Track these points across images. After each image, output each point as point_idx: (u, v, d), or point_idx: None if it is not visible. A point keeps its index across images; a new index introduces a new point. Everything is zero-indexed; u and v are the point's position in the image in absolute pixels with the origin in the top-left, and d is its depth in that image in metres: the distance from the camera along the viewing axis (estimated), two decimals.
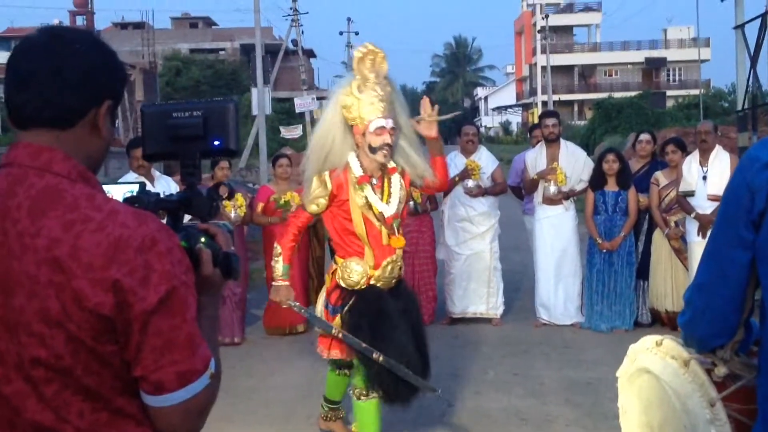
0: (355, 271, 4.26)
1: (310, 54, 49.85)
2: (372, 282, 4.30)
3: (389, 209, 4.25)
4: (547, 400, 5.63)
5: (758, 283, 1.61)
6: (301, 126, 31.14)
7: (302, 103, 30.06)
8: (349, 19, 50.04)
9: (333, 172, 4.21)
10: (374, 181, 4.25)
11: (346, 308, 4.32)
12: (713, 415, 1.72)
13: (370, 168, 4.22)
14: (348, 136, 4.21)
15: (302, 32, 36.80)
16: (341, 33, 49.66)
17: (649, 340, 1.95)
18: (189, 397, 1.36)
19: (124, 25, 50.88)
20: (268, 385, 6.21)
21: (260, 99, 23.89)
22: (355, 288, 4.29)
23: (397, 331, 4.22)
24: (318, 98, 36.56)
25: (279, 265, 4.46)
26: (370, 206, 4.22)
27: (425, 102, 4.46)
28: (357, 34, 50.66)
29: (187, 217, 1.56)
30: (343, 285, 4.34)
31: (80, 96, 1.42)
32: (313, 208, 4.30)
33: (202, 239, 1.50)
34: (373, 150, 4.13)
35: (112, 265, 1.30)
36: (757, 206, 1.57)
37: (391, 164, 4.27)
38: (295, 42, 36.88)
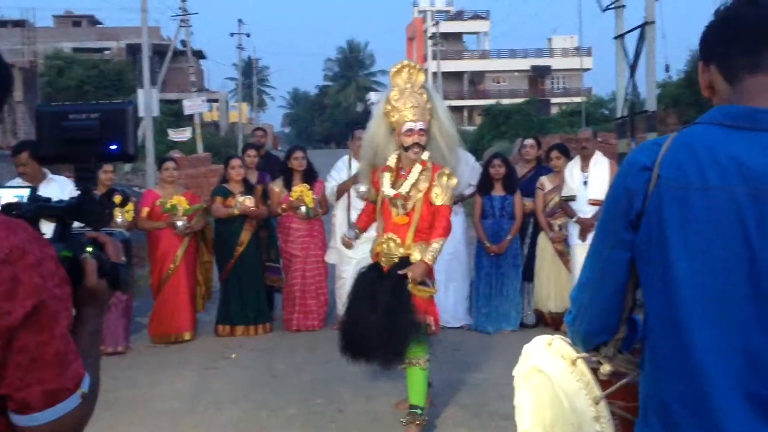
0: (372, 245, 5.26)
1: (199, 55, 48.96)
2: (378, 258, 5.09)
3: (392, 190, 4.97)
4: (435, 402, 5.67)
5: (639, 282, 1.67)
6: (190, 128, 30.49)
7: (192, 105, 29.43)
8: (240, 21, 49.56)
9: (376, 171, 5.17)
10: (404, 171, 5.02)
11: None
12: (598, 413, 1.77)
13: (406, 162, 5.02)
14: (391, 138, 5.05)
15: (191, 33, 36.16)
16: (232, 35, 49.14)
17: (541, 340, 1.99)
18: (57, 418, 1.28)
19: (3, 23, 48.61)
20: (154, 395, 6.03)
21: (147, 100, 23.27)
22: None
23: (362, 308, 4.97)
24: (208, 100, 35.97)
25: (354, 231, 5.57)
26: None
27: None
28: (248, 36, 50.47)
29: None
30: None
31: None
32: (369, 194, 5.41)
33: (89, 248, 1.43)
34: (405, 148, 4.93)
35: None
36: (635, 207, 1.63)
37: (424, 157, 4.95)
38: (184, 43, 36.16)
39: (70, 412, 1.30)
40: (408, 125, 4.87)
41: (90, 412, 1.36)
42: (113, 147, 1.50)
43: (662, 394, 1.61)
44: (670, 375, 1.60)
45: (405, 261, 4.92)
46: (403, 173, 5.01)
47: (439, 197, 4.94)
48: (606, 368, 1.80)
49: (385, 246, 4.99)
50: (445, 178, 4.94)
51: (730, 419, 1.52)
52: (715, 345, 1.54)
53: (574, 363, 1.86)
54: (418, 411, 4.97)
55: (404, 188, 4.91)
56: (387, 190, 4.97)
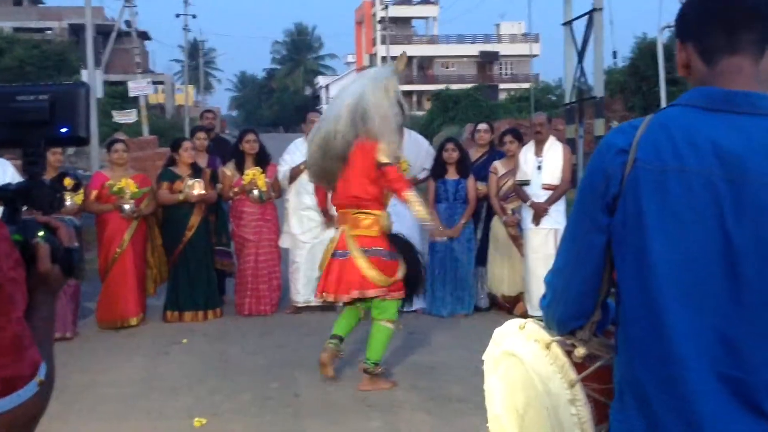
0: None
1: (144, 36, 48.04)
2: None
3: None
4: (395, 382, 5.68)
5: (614, 265, 1.66)
6: (135, 111, 29.88)
7: (136, 86, 28.82)
8: (186, 1, 48.67)
9: None
10: None
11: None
12: (573, 396, 1.76)
13: None
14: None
15: (136, 13, 35.41)
16: (178, 15, 48.27)
17: (513, 324, 1.97)
18: (14, 406, 1.20)
19: None
20: (104, 381, 5.91)
21: (91, 82, 22.79)
22: None
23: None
24: (153, 82, 35.30)
25: None
26: None
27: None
28: (194, 17, 49.64)
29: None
30: None
31: None
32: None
33: (40, 233, 1.36)
34: None
35: None
36: (611, 190, 1.61)
37: None
38: (128, 23, 35.41)
39: (28, 400, 1.22)
40: None
41: (47, 401, 1.29)
42: (64, 130, 1.43)
43: (637, 377, 1.61)
44: (644, 357, 1.59)
45: None
46: None
47: None
48: (581, 351, 1.79)
49: None
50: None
51: (703, 401, 1.53)
52: (690, 328, 1.54)
53: (548, 346, 1.84)
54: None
55: None
56: None
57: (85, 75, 23.65)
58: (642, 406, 1.59)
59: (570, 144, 14.46)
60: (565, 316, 1.76)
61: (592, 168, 1.68)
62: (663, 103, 14.58)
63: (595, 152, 1.69)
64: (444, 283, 7.72)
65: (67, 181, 6.86)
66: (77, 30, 37.88)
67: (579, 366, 1.78)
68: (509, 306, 7.74)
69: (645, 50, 22.58)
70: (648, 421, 1.58)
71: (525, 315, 7.17)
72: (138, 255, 7.61)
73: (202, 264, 7.79)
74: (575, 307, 1.74)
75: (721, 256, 1.53)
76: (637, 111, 22.18)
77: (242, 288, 7.97)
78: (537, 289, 7.22)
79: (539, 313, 6.71)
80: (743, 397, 1.52)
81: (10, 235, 1.27)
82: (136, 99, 30.93)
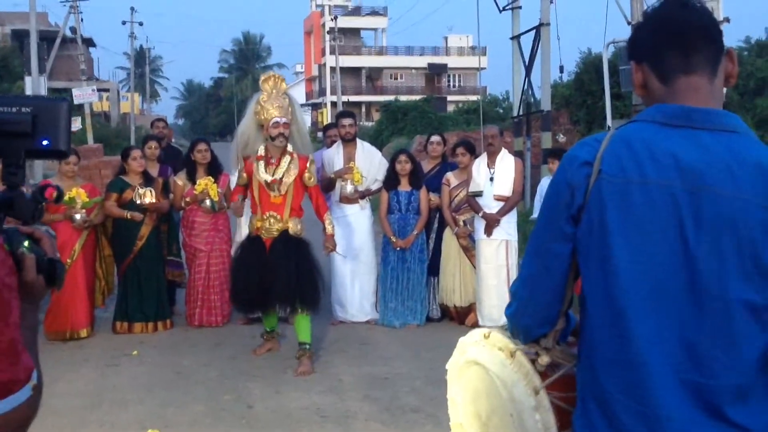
0: (251, 222, 6.35)
1: (89, 43, 47.39)
2: (258, 233, 6.24)
3: (269, 176, 6.14)
4: (346, 396, 5.70)
5: (578, 274, 1.72)
6: (80, 118, 29.45)
7: (81, 94, 28.39)
8: (132, 9, 48.17)
9: (248, 159, 6.22)
10: (273, 160, 6.16)
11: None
12: (537, 403, 1.81)
13: (273, 152, 6.18)
14: (260, 133, 6.19)
15: (82, 20, 34.93)
16: (124, 23, 47.76)
17: (477, 333, 2.01)
18: (9, 410, 1.22)
19: None
20: (54, 392, 5.80)
21: (35, 88, 22.41)
22: (251, 234, 6.34)
23: (261, 268, 6.16)
24: (99, 89, 34.78)
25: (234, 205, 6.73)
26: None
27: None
28: (141, 24, 49.12)
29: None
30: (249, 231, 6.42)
31: None
32: (239, 180, 6.40)
33: (26, 243, 1.38)
34: (272, 138, 6.09)
35: None
36: (576, 201, 1.68)
37: (290, 149, 6.17)
38: (73, 29, 34.89)
39: (22, 404, 1.25)
40: (275, 119, 6.06)
41: (38, 406, 1.32)
42: (45, 142, 1.44)
43: (600, 383, 1.66)
44: (609, 364, 1.65)
45: (285, 233, 6.19)
46: (272, 161, 6.18)
47: (312, 180, 6.27)
48: (544, 359, 1.84)
49: (266, 222, 6.20)
50: (313, 166, 6.31)
51: (666, 406, 1.59)
52: (653, 334, 1.60)
53: (512, 355, 1.89)
54: (307, 346, 6.33)
55: (278, 174, 6.14)
56: (264, 175, 6.14)
57: (28, 81, 23.23)
58: (605, 412, 1.65)
59: (518, 156, 14.70)
60: (531, 324, 1.82)
61: (558, 180, 1.74)
62: (608, 117, 14.86)
63: (560, 165, 1.76)
64: (396, 294, 7.76)
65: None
66: (20, 36, 37.17)
67: (542, 374, 1.84)
68: (461, 317, 7.82)
69: (590, 65, 22.97)
70: (611, 427, 1.64)
71: (476, 325, 7.24)
72: (88, 265, 7.51)
73: (152, 275, 7.71)
74: (541, 316, 1.80)
75: (682, 264, 1.59)
76: (582, 124, 22.55)
77: (193, 299, 7.91)
78: (488, 299, 7.31)
79: (490, 323, 6.83)
80: (705, 401, 1.58)
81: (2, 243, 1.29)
82: (80, 106, 30.46)
